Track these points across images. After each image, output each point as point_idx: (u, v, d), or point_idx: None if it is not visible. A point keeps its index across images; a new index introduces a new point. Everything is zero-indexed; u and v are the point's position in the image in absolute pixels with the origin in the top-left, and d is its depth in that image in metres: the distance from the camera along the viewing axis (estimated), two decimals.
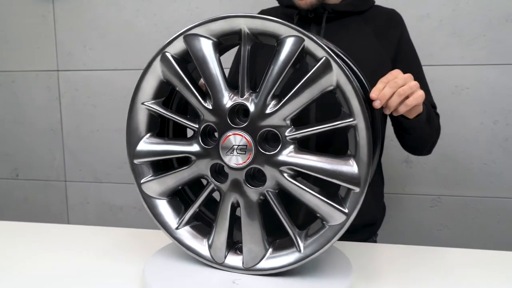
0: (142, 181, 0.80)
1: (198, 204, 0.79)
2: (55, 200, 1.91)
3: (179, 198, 0.84)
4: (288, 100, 0.70)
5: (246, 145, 0.70)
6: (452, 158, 1.57)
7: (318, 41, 0.67)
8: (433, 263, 0.85)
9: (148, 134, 0.80)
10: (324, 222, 0.72)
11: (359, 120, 0.67)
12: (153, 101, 0.79)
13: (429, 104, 0.98)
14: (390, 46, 1.05)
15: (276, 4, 1.15)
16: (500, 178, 1.56)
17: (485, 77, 1.51)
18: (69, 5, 1.74)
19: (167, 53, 0.75)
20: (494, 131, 1.54)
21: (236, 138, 0.71)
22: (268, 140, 0.74)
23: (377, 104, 0.72)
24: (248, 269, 0.76)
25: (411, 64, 1.08)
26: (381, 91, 0.73)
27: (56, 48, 1.78)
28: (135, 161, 0.80)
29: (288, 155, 0.71)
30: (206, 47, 0.74)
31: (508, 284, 0.77)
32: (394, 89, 0.73)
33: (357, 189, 0.68)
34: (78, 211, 1.90)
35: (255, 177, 0.76)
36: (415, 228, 1.64)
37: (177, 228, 0.80)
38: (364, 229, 1.08)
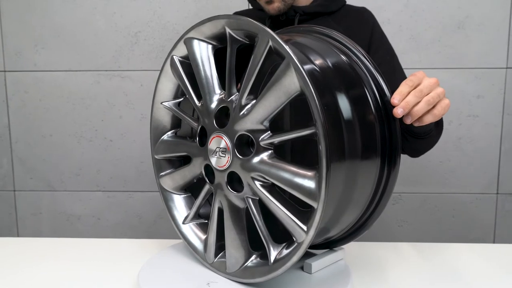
0: (160, 175, 0.85)
1: (198, 202, 0.81)
2: (3, 212, 1.76)
3: (193, 194, 0.87)
4: (256, 103, 0.65)
5: (225, 148, 0.69)
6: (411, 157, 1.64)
7: (280, 41, 0.60)
8: (416, 258, 0.88)
9: (169, 132, 0.84)
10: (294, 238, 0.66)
11: (318, 128, 0.57)
12: (170, 101, 0.82)
13: None
14: (361, 43, 1.06)
15: (246, 6, 1.14)
16: (454, 174, 1.66)
17: (440, 80, 1.59)
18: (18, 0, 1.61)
19: (174, 57, 0.78)
20: (448, 131, 1.63)
21: (218, 140, 0.70)
22: (249, 144, 0.70)
23: (399, 112, 0.62)
24: (230, 274, 0.74)
25: (384, 56, 1.06)
26: (404, 96, 0.64)
27: (3, 47, 1.64)
28: (156, 156, 0.85)
29: (260, 161, 0.65)
30: (198, 49, 0.74)
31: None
32: (419, 98, 0.64)
33: (314, 204, 0.59)
34: (29, 222, 1.76)
35: (236, 181, 0.72)
36: (377, 224, 1.70)
37: (183, 223, 0.83)
38: None
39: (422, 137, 0.89)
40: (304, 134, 0.61)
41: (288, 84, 0.61)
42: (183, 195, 0.86)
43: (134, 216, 1.73)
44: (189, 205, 0.86)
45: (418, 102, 0.64)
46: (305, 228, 0.62)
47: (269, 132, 0.66)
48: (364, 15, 1.09)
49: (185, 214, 0.85)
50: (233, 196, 0.71)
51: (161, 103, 0.83)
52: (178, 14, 1.60)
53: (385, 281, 0.79)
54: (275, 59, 0.65)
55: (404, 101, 0.63)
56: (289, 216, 0.63)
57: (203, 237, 0.81)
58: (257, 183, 0.67)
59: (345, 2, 1.11)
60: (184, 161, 0.86)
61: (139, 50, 1.61)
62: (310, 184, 0.60)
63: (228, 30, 0.70)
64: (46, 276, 0.81)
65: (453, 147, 1.64)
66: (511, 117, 1.61)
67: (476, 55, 1.58)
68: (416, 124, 0.69)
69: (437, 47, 1.58)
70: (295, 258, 0.63)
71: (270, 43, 0.63)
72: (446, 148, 1.64)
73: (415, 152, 1.03)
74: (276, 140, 0.65)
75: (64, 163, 1.70)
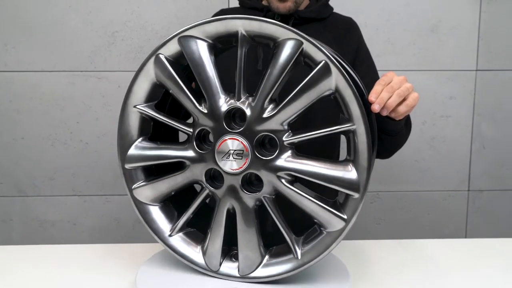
0: (133, 187, 0.78)
1: (192, 210, 0.77)
2: None
3: (172, 204, 0.81)
4: (286, 105, 0.69)
5: (243, 150, 0.69)
6: (382, 159, 1.69)
7: (317, 44, 0.67)
8: (413, 254, 0.91)
9: (140, 138, 0.77)
10: (321, 229, 0.72)
11: (358, 125, 0.67)
12: (145, 104, 0.76)
13: None
14: (348, 53, 1.10)
15: (229, 5, 1.13)
16: (428, 173, 1.72)
17: (415, 82, 1.64)
18: None
19: (160, 55, 0.72)
20: (422, 131, 1.69)
21: (233, 142, 0.69)
22: (265, 145, 0.74)
23: (376, 108, 0.72)
24: (244, 277, 0.74)
25: (368, 69, 1.13)
26: (378, 94, 0.73)
27: None
28: (127, 166, 0.77)
29: (286, 160, 0.70)
30: (202, 49, 0.72)
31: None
32: (391, 93, 0.74)
33: (356, 195, 0.68)
34: None
35: (251, 182, 0.75)
36: (356, 223, 1.74)
37: (170, 235, 0.78)
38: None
39: (394, 134, 0.98)
40: (338, 131, 0.68)
41: (324, 86, 0.67)
42: (159, 206, 0.79)
43: (111, 220, 1.69)
44: (169, 215, 0.79)
45: (390, 96, 0.74)
46: (345, 216, 0.69)
47: (290, 131, 0.70)
48: (352, 26, 1.14)
49: (168, 226, 0.78)
50: (248, 198, 0.71)
51: (135, 106, 0.76)
52: (157, 14, 1.58)
53: (371, 278, 0.81)
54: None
55: (379, 97, 0.72)
56: (325, 208, 0.69)
57: (197, 246, 0.78)
58: (283, 181, 0.70)
59: (333, 9, 1.13)
60: (158, 168, 0.80)
61: (116, 51, 1.57)
62: (351, 175, 0.68)
63: (242, 31, 0.69)
64: (19, 285, 0.78)
65: (427, 146, 1.70)
66: (481, 117, 1.69)
67: (449, 58, 1.64)
68: (392, 115, 0.79)
69: (412, 50, 1.64)
70: (334, 245, 0.70)
71: (303, 47, 0.67)
72: (421, 148, 1.70)
73: (387, 152, 1.11)
74: (301, 138, 0.69)
75: (37, 167, 1.63)
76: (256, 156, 0.69)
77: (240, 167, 0.69)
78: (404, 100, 0.77)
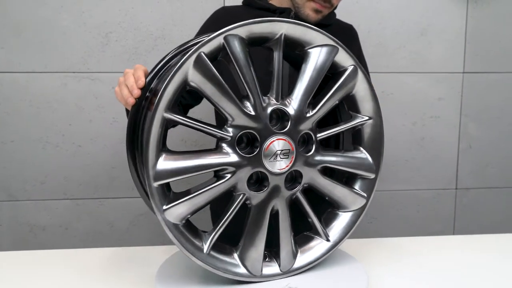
0: (166, 207, 0.67)
1: (227, 221, 0.72)
2: None
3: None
4: (323, 105, 0.74)
5: (289, 149, 0.70)
6: None
7: (349, 51, 0.74)
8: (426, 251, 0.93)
9: (164, 149, 0.68)
10: (341, 211, 0.80)
11: (376, 118, 0.78)
12: (171, 111, 0.67)
13: None
14: None
15: (230, 3, 1.12)
16: (418, 172, 1.77)
17: (406, 84, 1.70)
18: None
19: (202, 54, 0.65)
20: (412, 131, 1.74)
21: (279, 143, 0.69)
22: (303, 142, 0.77)
23: None
24: (287, 272, 0.75)
25: None
26: None
27: None
28: (156, 184, 0.65)
29: (321, 154, 0.76)
30: (243, 48, 0.69)
31: None
32: None
33: (372, 176, 0.79)
34: None
35: (292, 179, 0.76)
36: None
37: (209, 253, 0.71)
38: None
39: None
40: (357, 124, 0.78)
41: (350, 88, 0.75)
42: (183, 222, 0.70)
43: (105, 224, 1.66)
44: (193, 231, 0.72)
45: None
46: (365, 195, 0.80)
47: (317, 128, 0.75)
48: (354, 34, 1.19)
49: (199, 242, 0.71)
50: (288, 195, 0.74)
51: (166, 112, 0.65)
52: (152, 15, 1.56)
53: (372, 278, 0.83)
54: None
55: None
56: (351, 189, 0.79)
57: (230, 256, 0.73)
58: (321, 174, 0.76)
59: (336, 15, 1.16)
60: None
61: (110, 51, 1.55)
62: (369, 161, 0.79)
63: (284, 34, 0.70)
64: None
65: (417, 146, 1.75)
66: (468, 118, 1.75)
67: (437, 61, 1.70)
68: None
69: (402, 53, 1.68)
70: (359, 221, 0.80)
71: (338, 53, 0.73)
72: (411, 148, 1.74)
73: None
74: (329, 134, 0.76)
75: (28, 170, 1.59)
76: (300, 154, 0.72)
77: (286, 166, 0.71)
78: None
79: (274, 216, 0.74)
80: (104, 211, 1.65)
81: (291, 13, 1.04)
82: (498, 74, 1.74)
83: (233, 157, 0.69)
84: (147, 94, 0.75)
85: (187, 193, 0.69)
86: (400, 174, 1.76)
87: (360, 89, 0.75)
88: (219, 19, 1.08)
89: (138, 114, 0.74)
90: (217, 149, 0.70)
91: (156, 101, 0.64)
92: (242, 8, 1.12)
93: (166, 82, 0.64)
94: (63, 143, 1.59)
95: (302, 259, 0.77)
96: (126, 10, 1.55)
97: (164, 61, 0.77)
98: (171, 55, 0.78)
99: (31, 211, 1.62)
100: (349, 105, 0.79)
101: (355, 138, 0.81)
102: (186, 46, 0.78)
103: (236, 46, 0.68)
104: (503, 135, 1.78)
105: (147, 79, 0.76)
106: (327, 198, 0.79)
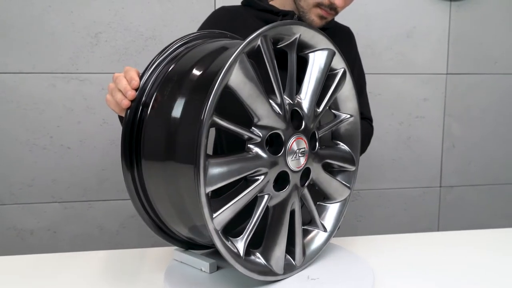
0: (216, 215, 0.62)
1: (256, 224, 0.69)
2: None
3: None
4: (326, 104, 0.77)
5: (305, 148, 0.72)
6: (367, 156, 1.77)
7: (341, 55, 0.77)
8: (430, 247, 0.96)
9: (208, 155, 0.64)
10: (326, 203, 0.86)
11: (355, 116, 0.85)
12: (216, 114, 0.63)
13: None
14: (349, 61, 1.15)
15: (212, 9, 1.12)
16: (405, 171, 1.81)
17: (392, 84, 1.75)
18: None
19: (245, 55, 0.62)
20: (399, 131, 1.78)
21: (298, 142, 0.71)
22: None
23: None
24: (301, 266, 0.77)
25: (360, 78, 1.22)
26: None
27: None
28: (208, 190, 0.60)
29: (325, 150, 0.80)
30: (270, 49, 0.67)
31: None
32: None
33: (353, 168, 0.86)
34: None
35: (303, 176, 0.76)
36: None
37: (250, 256, 0.69)
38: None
39: None
40: (342, 122, 0.84)
41: (341, 88, 0.80)
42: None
43: (94, 227, 1.64)
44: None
45: None
46: (349, 185, 0.86)
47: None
48: (352, 36, 1.21)
49: (236, 246, 0.67)
50: (301, 193, 0.76)
51: (212, 116, 0.60)
52: (142, 15, 1.55)
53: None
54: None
55: None
56: (339, 181, 0.85)
57: (253, 257, 0.71)
58: (322, 168, 0.79)
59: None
60: None
61: (99, 52, 1.53)
62: (351, 153, 0.86)
63: (299, 37, 0.72)
64: None
65: (404, 146, 1.79)
66: (451, 118, 1.81)
67: (423, 62, 1.75)
68: None
69: (389, 54, 1.72)
70: (346, 208, 0.86)
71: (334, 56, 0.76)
72: (398, 147, 1.79)
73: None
74: (326, 131, 0.80)
75: (14, 173, 1.56)
76: (312, 151, 0.75)
77: (302, 165, 0.72)
78: None
79: (291, 213, 0.75)
80: (93, 214, 1.63)
81: (294, 16, 1.05)
82: (480, 76, 1.80)
83: (266, 159, 0.67)
84: (143, 98, 0.71)
85: (226, 199, 0.65)
86: (388, 173, 1.80)
87: (347, 89, 0.81)
88: (221, 19, 1.08)
89: (136, 119, 0.70)
90: (249, 151, 0.66)
91: (208, 104, 0.58)
92: (242, 8, 1.12)
93: (217, 84, 0.59)
94: (51, 145, 1.56)
95: (309, 250, 0.81)
96: (116, 10, 1.53)
97: (163, 55, 0.73)
98: (171, 48, 0.75)
99: (18, 215, 1.58)
100: (332, 104, 0.84)
101: (335, 134, 0.87)
102: (190, 38, 0.77)
103: (269, 47, 0.67)
104: (485, 135, 1.85)
105: (142, 81, 0.71)
106: (324, 191, 0.83)
